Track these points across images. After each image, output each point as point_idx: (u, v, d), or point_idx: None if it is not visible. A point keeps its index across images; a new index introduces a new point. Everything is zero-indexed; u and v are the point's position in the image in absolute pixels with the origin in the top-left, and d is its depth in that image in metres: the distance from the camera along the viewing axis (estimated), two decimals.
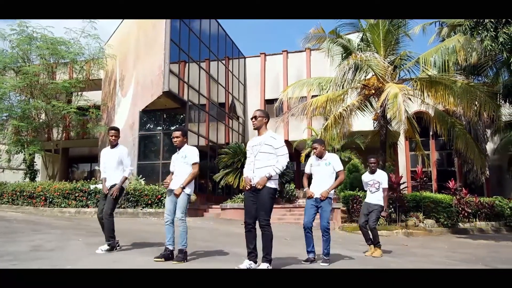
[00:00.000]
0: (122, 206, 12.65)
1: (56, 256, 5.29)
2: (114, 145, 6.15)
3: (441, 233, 12.16)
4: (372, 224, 6.85)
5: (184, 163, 5.45)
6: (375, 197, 6.99)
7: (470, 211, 13.41)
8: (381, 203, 6.95)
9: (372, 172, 7.11)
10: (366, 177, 7.23)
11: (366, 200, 7.14)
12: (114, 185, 5.95)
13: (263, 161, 4.72)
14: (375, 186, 7.02)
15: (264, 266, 4.60)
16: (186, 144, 5.61)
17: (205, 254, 5.85)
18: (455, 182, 14.46)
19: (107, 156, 6.16)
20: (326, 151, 6.09)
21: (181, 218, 5.27)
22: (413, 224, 11.95)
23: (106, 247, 5.77)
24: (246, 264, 4.66)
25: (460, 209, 13.17)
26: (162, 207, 12.71)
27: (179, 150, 5.56)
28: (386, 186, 7.05)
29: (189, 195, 5.38)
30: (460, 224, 13.10)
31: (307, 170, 6.19)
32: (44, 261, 4.90)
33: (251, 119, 4.92)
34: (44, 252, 5.56)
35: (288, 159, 4.82)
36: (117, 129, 6.22)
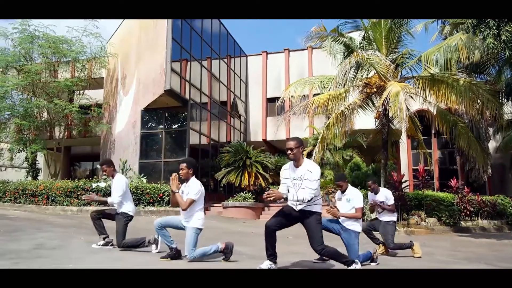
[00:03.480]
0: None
1: (58, 255, 5.31)
2: (111, 176, 6.27)
3: (443, 231, 12.14)
4: (392, 245, 6.76)
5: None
6: (384, 216, 6.99)
7: (472, 209, 13.39)
8: (394, 218, 6.99)
9: (375, 192, 7.13)
10: (370, 196, 7.23)
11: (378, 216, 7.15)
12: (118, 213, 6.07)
13: (308, 191, 4.51)
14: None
15: (352, 267, 4.68)
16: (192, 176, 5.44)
17: None
18: (457, 180, 14.42)
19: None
20: (348, 184, 6.04)
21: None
22: (415, 223, 11.94)
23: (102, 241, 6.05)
24: (266, 264, 4.65)
25: (462, 207, 13.14)
26: (164, 205, 12.73)
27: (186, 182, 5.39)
28: (392, 202, 7.04)
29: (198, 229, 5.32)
30: (462, 222, 13.08)
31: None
32: (46, 259, 4.92)
33: (287, 150, 4.61)
34: (47, 250, 5.58)
35: (316, 189, 4.53)
36: (104, 163, 6.35)
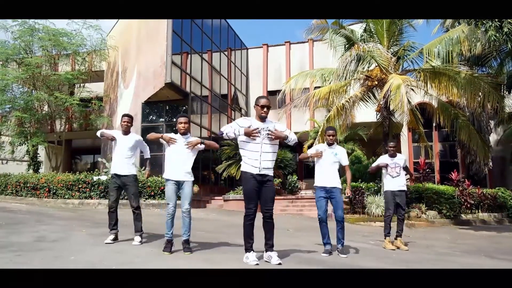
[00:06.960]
0: (125, 197, 12.71)
1: (60, 247, 5.33)
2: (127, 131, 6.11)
3: (444, 224, 12.17)
4: (405, 211, 7.01)
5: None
6: (397, 183, 6.87)
7: (472, 202, 13.40)
8: (405, 188, 6.99)
9: (392, 156, 7.00)
10: (386, 159, 7.06)
11: (388, 188, 6.94)
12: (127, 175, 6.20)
13: (271, 147, 4.83)
14: (396, 170, 6.90)
15: (276, 256, 4.64)
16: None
17: (209, 245, 5.88)
18: (458, 173, 14.44)
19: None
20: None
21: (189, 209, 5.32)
22: (416, 216, 11.96)
23: (139, 238, 5.93)
24: (254, 257, 4.57)
25: (463, 200, 13.16)
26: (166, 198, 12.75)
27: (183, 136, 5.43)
28: (407, 165, 7.11)
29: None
30: (462, 215, 13.10)
31: (310, 151, 6.21)
32: (48, 252, 4.94)
33: (265, 108, 4.78)
34: (48, 243, 5.60)
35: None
36: (130, 116, 6.24)
